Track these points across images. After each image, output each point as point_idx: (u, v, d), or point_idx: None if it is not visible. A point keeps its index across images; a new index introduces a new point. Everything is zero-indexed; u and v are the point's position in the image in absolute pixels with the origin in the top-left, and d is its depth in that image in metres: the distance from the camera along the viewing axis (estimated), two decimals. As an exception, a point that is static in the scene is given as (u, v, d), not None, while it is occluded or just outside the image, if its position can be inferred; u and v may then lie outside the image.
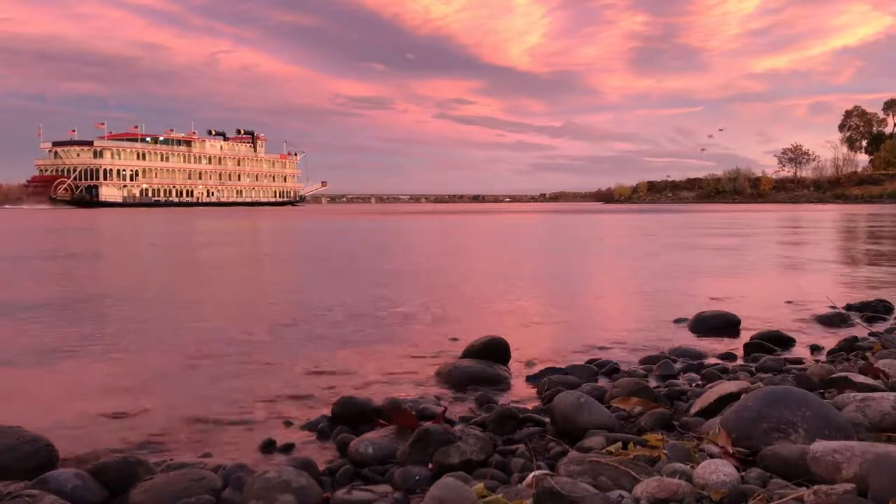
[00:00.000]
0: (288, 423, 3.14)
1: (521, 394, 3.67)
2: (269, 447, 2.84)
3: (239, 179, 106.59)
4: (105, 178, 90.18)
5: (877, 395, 2.63)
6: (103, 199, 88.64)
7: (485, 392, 3.64)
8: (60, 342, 5.00)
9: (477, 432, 2.60)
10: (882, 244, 16.52)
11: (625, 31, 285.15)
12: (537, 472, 2.20)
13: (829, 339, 4.89)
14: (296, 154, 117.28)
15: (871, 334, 4.88)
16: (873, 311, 6.13)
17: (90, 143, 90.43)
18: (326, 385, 3.79)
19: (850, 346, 4.49)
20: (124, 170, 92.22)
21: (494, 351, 4.26)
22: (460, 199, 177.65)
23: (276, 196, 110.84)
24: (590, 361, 4.29)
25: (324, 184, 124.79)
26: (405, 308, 6.55)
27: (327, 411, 3.21)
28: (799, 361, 4.18)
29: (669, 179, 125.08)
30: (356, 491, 2.22)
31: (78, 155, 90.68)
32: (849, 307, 6.25)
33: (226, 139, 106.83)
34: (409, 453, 2.49)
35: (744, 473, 2.07)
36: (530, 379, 3.93)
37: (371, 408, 3.16)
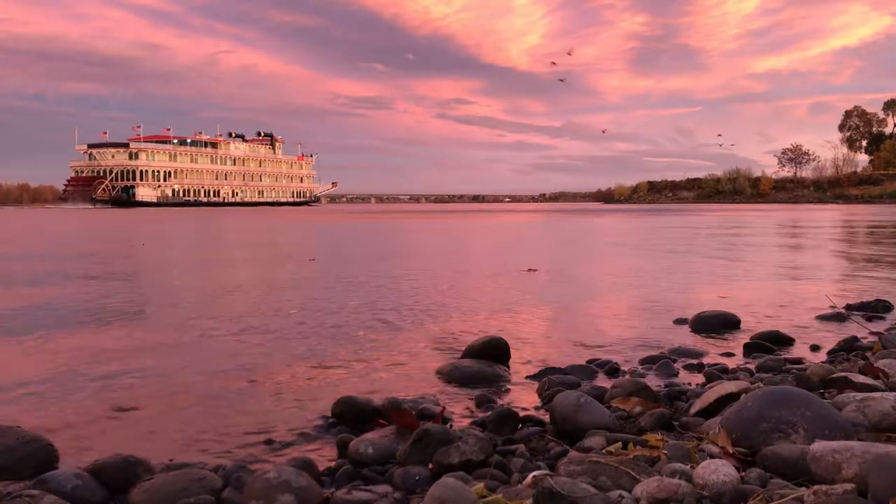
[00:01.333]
0: (288, 423, 3.14)
1: (521, 394, 3.67)
2: (268, 447, 2.84)
3: (260, 180, 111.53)
4: (141, 179, 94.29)
5: (877, 395, 2.63)
6: (139, 199, 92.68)
7: (485, 392, 3.64)
8: (61, 342, 5.00)
9: (477, 432, 2.60)
10: (882, 244, 16.52)
11: (624, 32, 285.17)
12: (537, 472, 2.20)
13: (829, 339, 4.89)
14: (311, 155, 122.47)
15: (871, 333, 4.88)
16: (873, 311, 6.13)
17: (126, 146, 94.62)
18: (326, 385, 3.79)
19: (850, 346, 4.49)
20: (158, 171, 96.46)
21: (494, 351, 4.26)
22: (460, 199, 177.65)
23: (293, 196, 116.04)
24: (590, 361, 4.29)
25: (334, 184, 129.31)
26: (405, 308, 6.55)
27: (327, 411, 3.21)
28: (799, 361, 4.18)
29: (669, 180, 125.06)
30: (356, 491, 2.22)
31: (113, 156, 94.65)
32: (849, 307, 6.25)
33: (244, 141, 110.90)
34: (409, 453, 2.49)
35: (744, 473, 2.07)
36: (530, 379, 3.93)
37: (371, 408, 3.16)
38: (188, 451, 2.78)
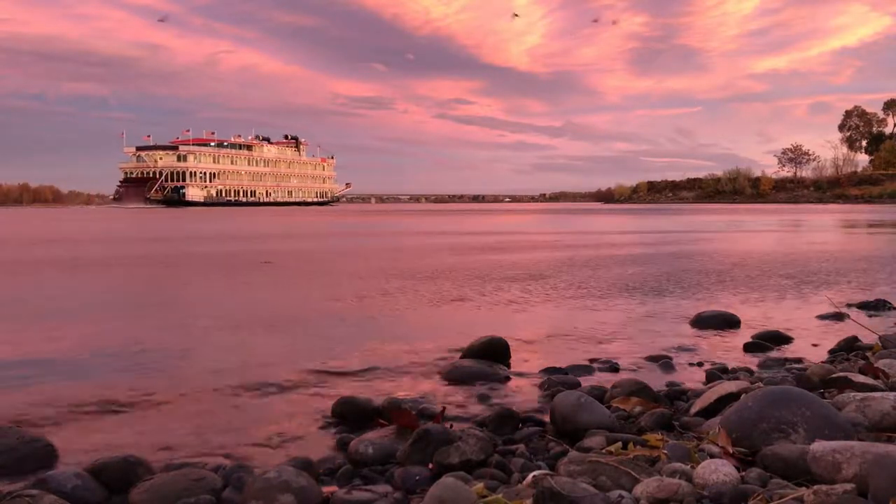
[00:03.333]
0: (288, 423, 3.14)
1: (521, 393, 3.67)
2: (268, 447, 2.84)
3: (289, 181, 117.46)
4: (189, 180, 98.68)
5: (877, 394, 2.63)
6: (189, 199, 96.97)
7: (485, 392, 3.64)
8: (62, 341, 5.00)
9: (477, 432, 2.60)
10: (882, 244, 16.51)
11: (624, 32, 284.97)
12: (537, 472, 2.20)
13: (829, 339, 4.89)
14: (331, 157, 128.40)
15: (871, 333, 4.88)
16: (873, 310, 6.13)
17: (175, 148, 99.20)
18: (326, 385, 3.79)
19: (850, 346, 4.49)
20: (204, 172, 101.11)
21: (494, 351, 4.26)
22: (460, 199, 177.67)
23: (317, 196, 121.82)
24: (590, 361, 4.29)
25: (348, 185, 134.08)
26: (405, 308, 6.55)
27: (327, 411, 3.21)
28: (799, 361, 4.19)
29: (669, 180, 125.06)
30: (356, 491, 2.22)
31: (161, 158, 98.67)
32: (849, 307, 6.25)
33: (270, 143, 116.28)
34: (409, 453, 2.49)
35: (744, 473, 2.07)
36: (530, 379, 3.93)
37: (371, 408, 3.16)
38: (188, 451, 2.78)
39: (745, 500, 1.89)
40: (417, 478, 2.33)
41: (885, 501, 1.76)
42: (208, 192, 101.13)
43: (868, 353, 4.07)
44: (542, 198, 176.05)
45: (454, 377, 3.91)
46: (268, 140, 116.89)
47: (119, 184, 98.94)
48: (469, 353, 4.29)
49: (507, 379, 3.95)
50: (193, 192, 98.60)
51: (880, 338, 4.39)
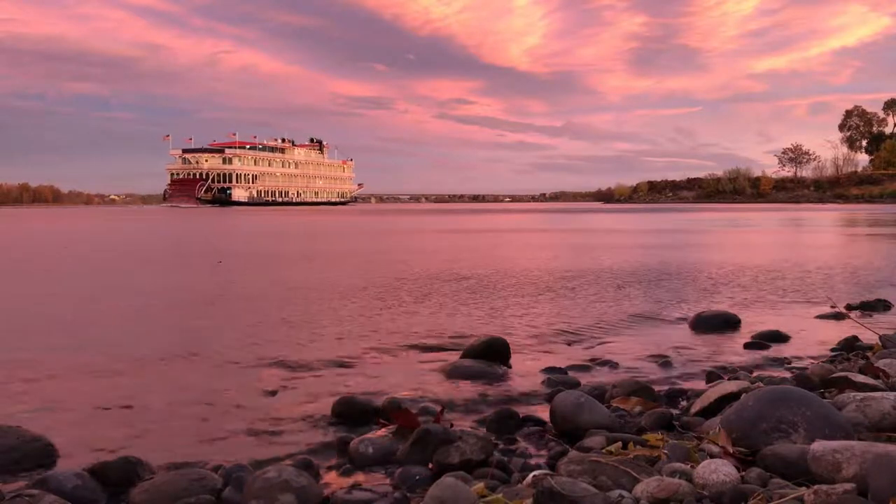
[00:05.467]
0: (288, 423, 3.14)
1: (521, 394, 3.66)
2: (269, 447, 2.84)
3: (315, 182, 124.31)
4: (235, 181, 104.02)
5: (877, 394, 2.63)
6: (235, 199, 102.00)
7: (485, 392, 3.64)
8: (62, 342, 5.00)
9: (477, 432, 2.60)
10: (882, 244, 16.51)
11: (624, 32, 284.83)
12: (537, 472, 2.20)
13: (830, 339, 4.89)
14: (350, 160, 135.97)
15: (871, 333, 4.88)
16: (873, 310, 6.13)
17: (220, 151, 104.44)
18: (327, 385, 3.79)
19: (850, 346, 4.49)
20: (246, 174, 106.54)
21: (495, 351, 4.26)
22: (460, 199, 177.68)
23: (338, 196, 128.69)
24: (590, 361, 4.29)
25: (360, 185, 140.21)
26: (406, 308, 6.55)
27: (327, 411, 3.21)
28: (799, 361, 4.19)
29: (669, 179, 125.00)
30: (356, 490, 2.22)
31: (206, 161, 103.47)
32: (849, 307, 6.25)
33: (293, 145, 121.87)
34: (409, 453, 2.49)
35: (744, 473, 2.07)
36: (530, 379, 3.93)
37: (371, 408, 3.16)
38: (188, 451, 2.78)
39: (745, 500, 1.89)
40: (417, 477, 2.33)
41: (885, 501, 1.75)
42: (251, 192, 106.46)
43: (868, 353, 4.07)
44: (543, 197, 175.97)
45: (454, 377, 3.92)
46: (292, 143, 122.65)
47: (169, 184, 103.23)
48: (469, 352, 4.29)
49: (508, 378, 3.95)
50: (239, 193, 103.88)
51: (880, 338, 4.39)
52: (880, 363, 3.48)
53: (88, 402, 3.45)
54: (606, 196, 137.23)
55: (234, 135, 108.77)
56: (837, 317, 5.75)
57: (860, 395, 2.67)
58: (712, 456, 2.22)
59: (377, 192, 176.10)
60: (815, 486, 1.83)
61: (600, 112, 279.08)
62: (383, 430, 2.82)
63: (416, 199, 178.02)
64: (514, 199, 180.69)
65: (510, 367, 4.19)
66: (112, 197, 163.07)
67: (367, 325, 5.64)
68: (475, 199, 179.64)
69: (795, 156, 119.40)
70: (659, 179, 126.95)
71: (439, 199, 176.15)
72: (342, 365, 4.27)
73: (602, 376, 3.99)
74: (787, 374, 3.64)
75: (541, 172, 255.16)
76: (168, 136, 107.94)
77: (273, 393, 3.65)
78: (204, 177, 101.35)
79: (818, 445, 2.05)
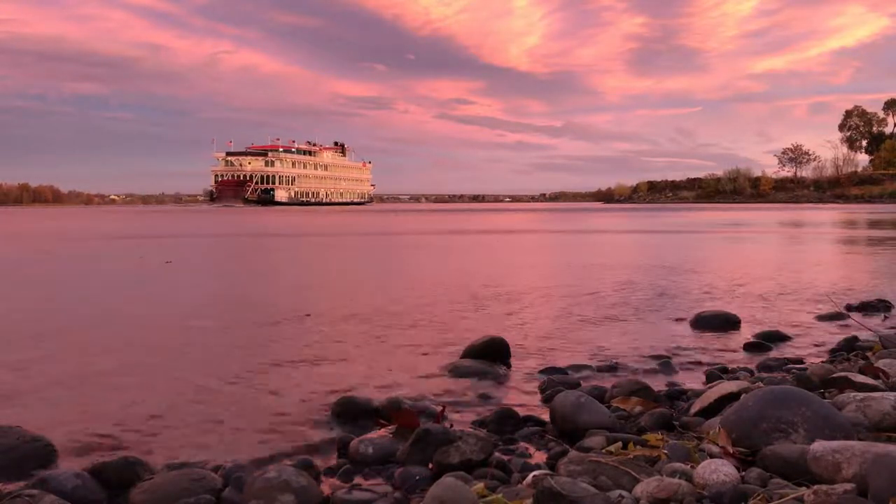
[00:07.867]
0: (288, 423, 3.14)
1: (521, 393, 3.66)
2: (269, 447, 2.84)
3: (341, 183, 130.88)
4: (277, 183, 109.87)
5: (877, 394, 2.63)
6: (277, 200, 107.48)
7: (485, 392, 3.64)
8: (63, 341, 5.00)
9: (477, 432, 2.60)
10: (882, 244, 16.51)
11: (623, 33, 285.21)
12: (537, 472, 2.20)
13: (830, 339, 4.89)
14: (369, 161, 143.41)
15: (871, 333, 4.88)
16: (873, 310, 6.13)
17: (263, 154, 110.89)
18: (326, 385, 3.79)
19: (850, 346, 4.49)
20: (287, 175, 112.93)
21: (495, 351, 4.26)
22: (460, 198, 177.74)
23: (359, 197, 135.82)
24: (590, 361, 4.29)
25: (373, 186, 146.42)
26: (406, 308, 6.55)
27: (327, 411, 3.21)
28: (799, 361, 4.18)
29: (669, 179, 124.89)
30: (356, 491, 2.22)
31: (250, 163, 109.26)
32: (849, 307, 6.25)
33: (314, 145, 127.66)
34: (409, 453, 2.49)
35: (744, 473, 2.07)
36: (530, 378, 3.93)
37: (371, 408, 3.16)
38: (188, 451, 2.78)
39: (745, 500, 1.89)
40: (417, 478, 2.33)
41: (885, 501, 1.75)
42: (290, 193, 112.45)
43: (868, 353, 4.07)
44: (543, 197, 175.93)
45: (454, 377, 3.92)
46: (313, 145, 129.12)
47: (215, 186, 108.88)
48: (469, 352, 4.29)
49: (508, 378, 3.95)
50: (281, 194, 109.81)
51: (880, 338, 4.39)
52: (880, 363, 3.48)
53: (88, 402, 3.45)
54: (606, 196, 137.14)
55: (279, 139, 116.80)
56: (837, 317, 5.75)
57: (860, 395, 2.67)
58: (712, 456, 2.22)
59: (377, 193, 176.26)
60: (815, 486, 1.83)
61: (600, 112, 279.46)
62: (383, 430, 2.82)
63: (415, 199, 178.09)
64: (514, 199, 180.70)
65: (510, 367, 4.19)
66: (112, 197, 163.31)
67: (366, 325, 5.64)
68: (475, 199, 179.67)
69: (795, 156, 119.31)
70: (659, 179, 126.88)
71: (439, 199, 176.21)
72: (342, 365, 4.26)
73: (602, 376, 3.99)
74: (787, 374, 3.64)
75: (541, 172, 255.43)
76: (214, 139, 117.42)
77: (273, 393, 3.65)
78: (248, 178, 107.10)
79: (818, 445, 2.05)
